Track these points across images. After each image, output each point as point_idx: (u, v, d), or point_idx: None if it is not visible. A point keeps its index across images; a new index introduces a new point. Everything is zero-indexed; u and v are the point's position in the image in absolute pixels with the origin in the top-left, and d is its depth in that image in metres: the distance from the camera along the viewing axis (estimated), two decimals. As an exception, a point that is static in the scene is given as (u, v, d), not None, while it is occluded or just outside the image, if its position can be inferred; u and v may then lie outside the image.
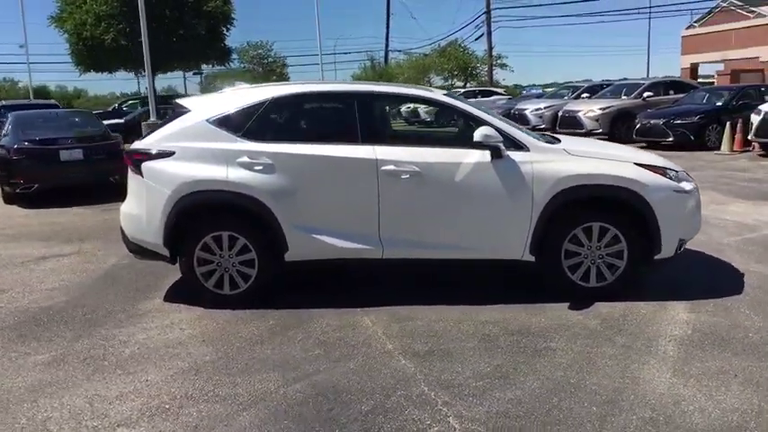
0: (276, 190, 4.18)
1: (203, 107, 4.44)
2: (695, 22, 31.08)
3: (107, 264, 5.72)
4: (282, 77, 41.50)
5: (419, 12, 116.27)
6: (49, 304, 4.61)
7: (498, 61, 36.56)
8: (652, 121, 13.52)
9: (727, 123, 12.40)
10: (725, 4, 29.01)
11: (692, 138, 12.94)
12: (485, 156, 4.12)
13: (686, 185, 4.31)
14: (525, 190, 4.10)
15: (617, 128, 15.04)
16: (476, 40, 38.17)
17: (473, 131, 4.17)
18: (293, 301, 4.38)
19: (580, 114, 15.54)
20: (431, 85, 38.46)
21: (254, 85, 4.86)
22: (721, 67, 29.20)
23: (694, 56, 31.26)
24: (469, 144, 4.18)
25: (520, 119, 17.13)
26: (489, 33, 35.75)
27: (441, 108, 4.50)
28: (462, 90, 28.38)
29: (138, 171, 4.36)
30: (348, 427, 2.78)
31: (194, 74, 47.89)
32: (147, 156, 4.35)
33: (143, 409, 2.99)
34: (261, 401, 3.03)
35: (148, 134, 4.67)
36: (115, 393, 3.16)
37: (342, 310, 4.22)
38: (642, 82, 17.37)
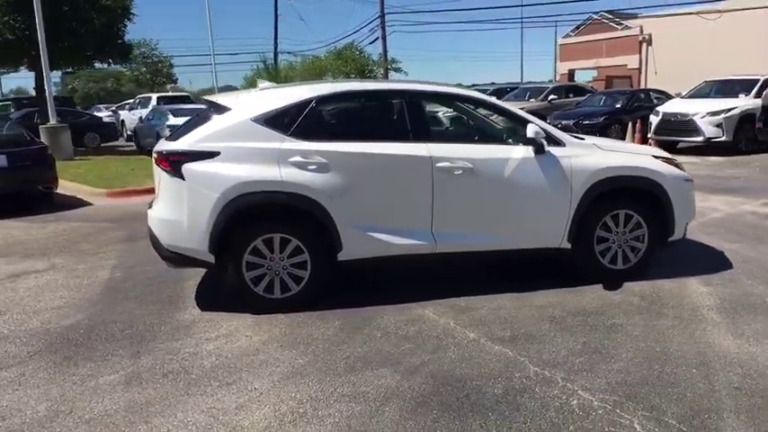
0: (332, 189, 4.14)
1: (245, 106, 4.28)
2: (571, 32, 34.16)
3: (99, 277, 5.26)
4: (169, 78, 39.35)
5: (309, 14, 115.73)
6: (70, 323, 4.18)
7: (393, 65, 37.43)
8: (563, 122, 14.73)
9: (629, 123, 13.89)
10: (597, 17, 32.22)
11: (599, 136, 14.31)
12: (529, 151, 4.40)
13: (688, 175, 4.89)
14: (565, 182, 4.44)
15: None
16: (370, 43, 38.83)
17: (515, 130, 4.44)
18: (341, 301, 4.33)
19: (495, 116, 16.55)
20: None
21: (283, 85, 4.73)
22: (595, 72, 32.43)
23: (571, 62, 34.38)
24: (512, 140, 4.46)
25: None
26: (384, 37, 36.61)
27: (486, 108, 4.72)
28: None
29: (178, 173, 4.10)
30: (497, 409, 2.89)
31: (65, 73, 43.91)
32: (189, 157, 4.10)
33: (278, 416, 2.88)
34: (394, 396, 3.04)
35: (179, 134, 4.39)
36: (232, 405, 3.00)
37: (398, 306, 4.27)
38: (546, 86, 18.87)
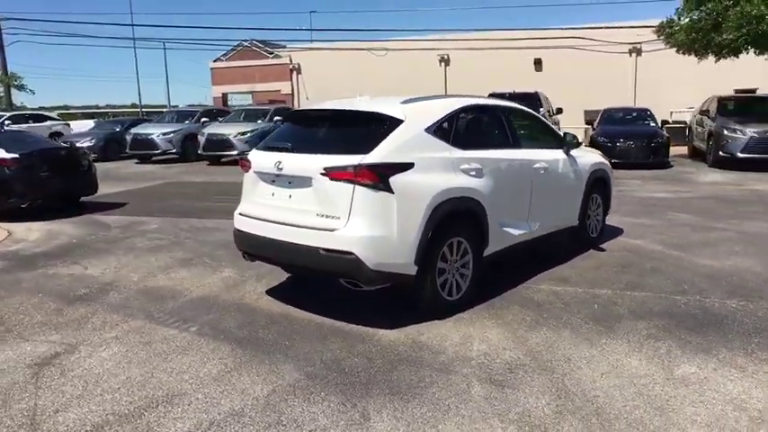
0: (488, 192, 4.65)
1: (415, 117, 4.36)
2: (222, 56, 35.24)
3: (178, 339, 4.18)
4: None
5: None
6: (299, 377, 3.50)
7: (16, 81, 31.40)
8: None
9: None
10: (247, 44, 34.23)
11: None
12: (563, 153, 5.79)
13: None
14: (581, 175, 6.01)
15: (186, 147, 17.96)
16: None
17: (554, 137, 5.81)
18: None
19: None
20: None
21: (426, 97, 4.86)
22: (251, 96, 34.44)
23: (225, 86, 35.53)
24: (554, 145, 5.78)
25: (148, 143, 17.75)
26: (2, 48, 30.34)
27: (536, 123, 5.84)
28: (9, 115, 23.55)
29: (386, 186, 3.96)
30: (723, 321, 4.24)
31: None
32: (394, 169, 3.99)
33: (663, 357, 3.59)
34: (670, 330, 4.06)
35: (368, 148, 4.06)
36: (620, 355, 3.50)
37: (521, 287, 5.04)
38: (195, 110, 21.17)
